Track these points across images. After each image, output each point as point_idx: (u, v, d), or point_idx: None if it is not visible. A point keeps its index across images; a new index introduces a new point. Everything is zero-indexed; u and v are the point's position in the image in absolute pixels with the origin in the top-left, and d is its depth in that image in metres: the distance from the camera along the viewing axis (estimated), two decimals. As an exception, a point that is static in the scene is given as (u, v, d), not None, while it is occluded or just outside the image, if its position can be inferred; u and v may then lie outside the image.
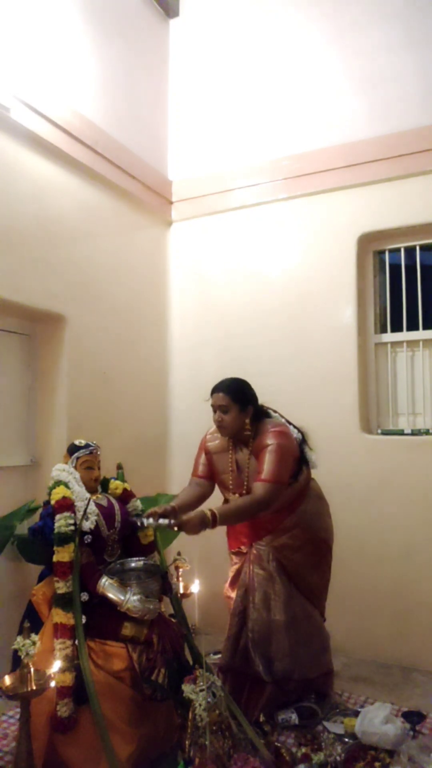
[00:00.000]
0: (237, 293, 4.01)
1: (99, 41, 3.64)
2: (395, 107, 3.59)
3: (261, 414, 2.77)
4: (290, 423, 2.84)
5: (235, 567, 2.87)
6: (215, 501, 2.96)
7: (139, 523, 2.47)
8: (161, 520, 2.41)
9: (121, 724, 2.19)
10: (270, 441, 2.61)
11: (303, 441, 2.84)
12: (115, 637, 2.30)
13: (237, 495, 2.76)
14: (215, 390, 2.73)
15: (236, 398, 2.68)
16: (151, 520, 2.42)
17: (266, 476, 2.55)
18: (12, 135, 2.98)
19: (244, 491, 2.74)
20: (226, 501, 2.86)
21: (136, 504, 2.74)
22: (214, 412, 2.72)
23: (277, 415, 2.86)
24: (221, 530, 2.99)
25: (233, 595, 2.82)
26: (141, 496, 2.91)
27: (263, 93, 4.04)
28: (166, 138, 4.32)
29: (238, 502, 2.61)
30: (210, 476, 2.89)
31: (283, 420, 2.83)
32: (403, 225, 3.58)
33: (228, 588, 2.91)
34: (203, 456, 2.91)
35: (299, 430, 2.84)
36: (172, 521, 2.40)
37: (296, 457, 2.73)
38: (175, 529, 2.42)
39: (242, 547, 2.84)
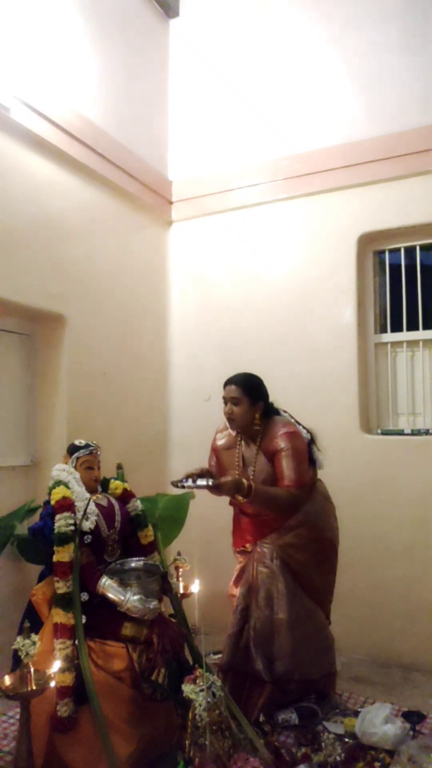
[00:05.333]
0: (237, 293, 4.01)
1: (99, 41, 3.64)
2: (395, 107, 3.59)
3: (271, 411, 2.82)
4: (299, 423, 2.86)
5: (240, 566, 2.88)
6: (224, 502, 2.97)
7: (179, 486, 2.54)
8: (199, 481, 2.52)
9: (121, 724, 2.18)
10: (284, 444, 2.67)
11: (311, 441, 2.86)
12: (115, 637, 2.30)
13: None
14: (228, 382, 2.79)
15: (248, 392, 2.73)
16: (189, 481, 2.53)
17: (289, 482, 2.63)
18: (12, 135, 2.98)
19: None
20: (232, 500, 2.88)
21: (136, 504, 2.74)
22: (225, 404, 2.77)
23: (287, 414, 2.89)
24: (224, 529, 3.00)
25: (237, 593, 2.82)
26: (141, 496, 2.90)
27: (263, 93, 4.03)
28: (166, 138, 4.32)
29: (274, 489, 2.67)
30: (219, 475, 2.90)
31: (292, 420, 2.87)
32: (403, 225, 3.58)
33: (232, 586, 2.92)
34: (213, 456, 2.98)
35: (308, 431, 2.87)
36: (210, 482, 2.50)
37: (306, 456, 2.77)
38: (211, 490, 2.51)
39: (247, 546, 2.85)
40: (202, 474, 2.61)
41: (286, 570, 2.69)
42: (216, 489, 2.51)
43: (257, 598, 2.69)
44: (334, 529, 2.87)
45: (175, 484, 2.58)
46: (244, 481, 2.55)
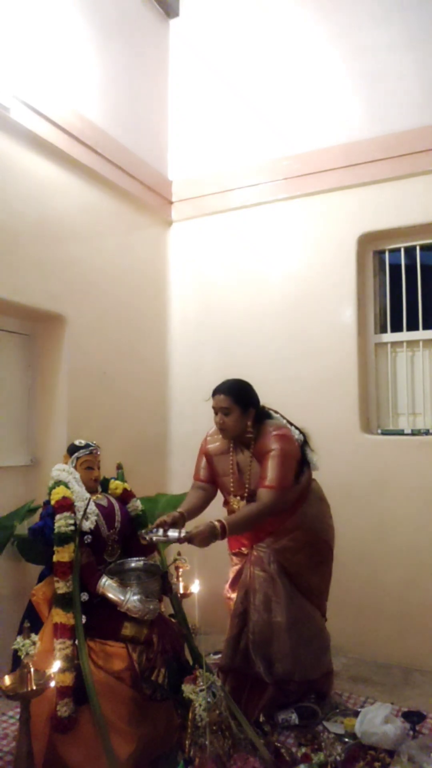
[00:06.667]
0: (237, 293, 4.01)
1: (99, 41, 3.64)
2: (395, 107, 3.59)
3: (263, 416, 2.75)
4: (292, 424, 2.83)
5: (236, 568, 2.87)
6: (220, 502, 2.96)
7: (147, 539, 2.44)
8: (170, 532, 2.41)
9: (121, 724, 2.18)
10: (273, 446, 2.60)
11: (305, 442, 2.83)
12: (115, 637, 2.30)
13: (238, 497, 2.75)
14: (216, 391, 2.70)
15: (238, 400, 2.66)
16: (160, 532, 2.42)
17: (270, 483, 2.54)
18: (12, 135, 2.98)
19: (245, 493, 2.73)
20: (226, 503, 2.86)
21: (136, 504, 2.74)
22: (216, 414, 2.70)
23: (278, 416, 2.85)
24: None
25: (233, 596, 2.81)
26: (141, 496, 2.91)
27: (263, 93, 4.03)
28: (166, 138, 4.32)
29: (245, 511, 2.59)
30: (211, 479, 2.87)
31: (284, 421, 2.83)
32: (403, 225, 3.58)
33: (228, 589, 2.91)
34: (203, 459, 2.89)
35: (301, 432, 2.84)
36: (182, 535, 2.39)
37: (298, 459, 2.73)
38: (183, 543, 2.41)
39: (243, 549, 2.83)
40: (175, 522, 2.49)
41: (283, 573, 2.68)
42: (188, 541, 2.39)
43: (254, 602, 2.68)
44: (329, 529, 2.86)
45: (142, 535, 2.45)
46: (216, 524, 2.42)
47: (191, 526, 2.50)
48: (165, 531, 2.43)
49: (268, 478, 2.55)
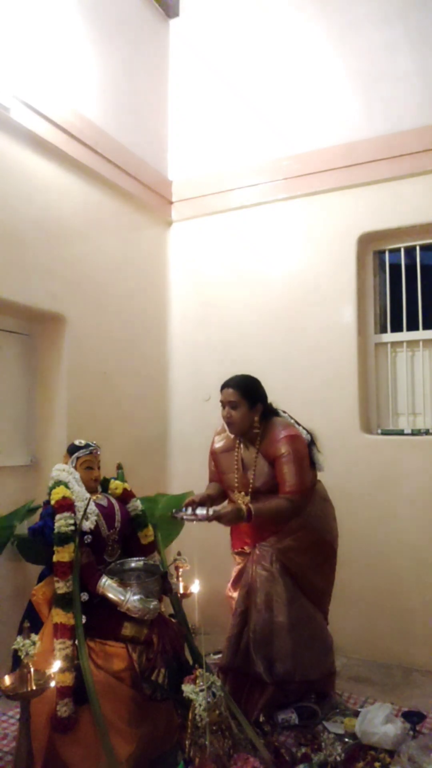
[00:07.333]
0: (237, 293, 4.02)
1: (99, 41, 3.64)
2: (395, 107, 3.59)
3: (270, 412, 2.78)
4: (299, 423, 2.84)
5: (238, 567, 2.87)
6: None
7: (178, 518, 2.56)
8: (198, 511, 2.52)
9: (121, 724, 2.18)
10: (285, 449, 2.63)
11: (311, 442, 2.84)
12: (115, 637, 2.30)
13: (242, 493, 2.76)
14: (225, 385, 2.74)
15: (246, 395, 2.69)
16: (189, 510, 2.53)
17: (291, 488, 2.60)
18: (12, 135, 2.98)
19: (249, 489, 2.74)
20: (230, 500, 2.86)
21: (136, 504, 2.74)
22: (223, 407, 2.73)
23: (286, 415, 2.86)
24: (224, 529, 2.99)
25: (235, 595, 2.81)
26: (141, 496, 2.90)
27: (263, 93, 4.04)
28: (166, 138, 4.32)
29: (274, 502, 2.64)
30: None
31: (292, 420, 2.84)
32: (403, 225, 3.58)
33: (230, 588, 2.91)
34: (212, 462, 2.94)
35: (308, 432, 2.85)
36: (210, 513, 2.50)
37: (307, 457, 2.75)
38: (211, 521, 2.53)
39: (245, 548, 2.83)
40: (203, 502, 2.62)
41: (285, 573, 2.68)
42: (217, 520, 2.52)
43: (256, 601, 2.67)
44: (333, 530, 2.86)
45: (173, 515, 2.59)
46: (243, 507, 2.56)
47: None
48: (194, 510, 2.53)
49: (288, 483, 2.61)
